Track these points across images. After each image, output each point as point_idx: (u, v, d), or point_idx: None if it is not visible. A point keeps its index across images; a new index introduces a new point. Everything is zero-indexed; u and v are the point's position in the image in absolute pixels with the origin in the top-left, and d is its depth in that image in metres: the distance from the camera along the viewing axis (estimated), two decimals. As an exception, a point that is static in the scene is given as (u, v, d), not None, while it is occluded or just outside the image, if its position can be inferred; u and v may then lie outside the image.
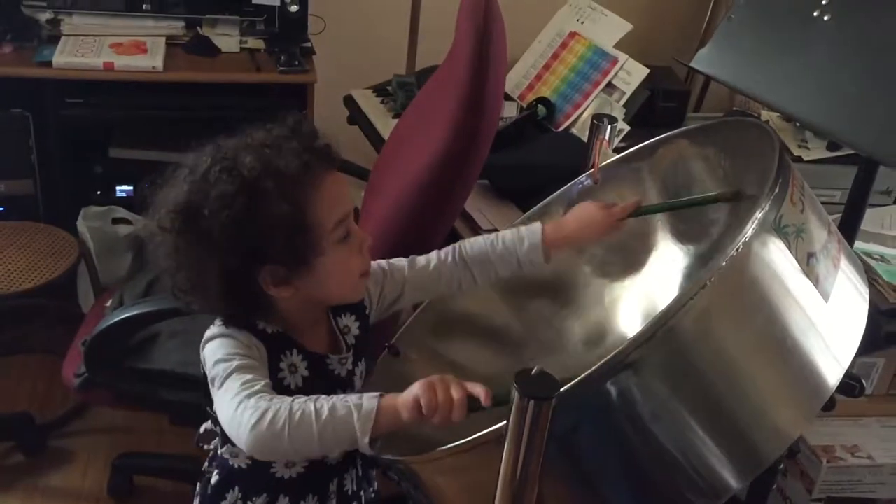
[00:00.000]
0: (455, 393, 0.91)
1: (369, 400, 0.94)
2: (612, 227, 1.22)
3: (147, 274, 1.76)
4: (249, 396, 0.95)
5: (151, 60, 2.26)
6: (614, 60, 2.06)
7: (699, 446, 0.94)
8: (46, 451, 2.11)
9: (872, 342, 1.60)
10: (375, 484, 1.26)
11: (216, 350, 1.02)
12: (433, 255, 1.24)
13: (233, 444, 1.07)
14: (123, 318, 1.50)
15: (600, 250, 1.39)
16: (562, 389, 0.86)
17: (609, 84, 2.06)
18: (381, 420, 0.93)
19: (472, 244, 1.22)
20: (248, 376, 0.98)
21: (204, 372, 1.04)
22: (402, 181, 1.54)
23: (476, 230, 1.78)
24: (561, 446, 0.91)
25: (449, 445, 0.93)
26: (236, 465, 1.14)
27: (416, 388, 0.92)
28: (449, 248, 1.23)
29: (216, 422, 1.07)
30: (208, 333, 1.05)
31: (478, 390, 0.91)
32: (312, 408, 0.93)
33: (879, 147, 1.09)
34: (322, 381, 1.09)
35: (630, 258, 1.38)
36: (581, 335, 1.39)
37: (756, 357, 0.96)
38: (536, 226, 1.21)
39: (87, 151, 2.45)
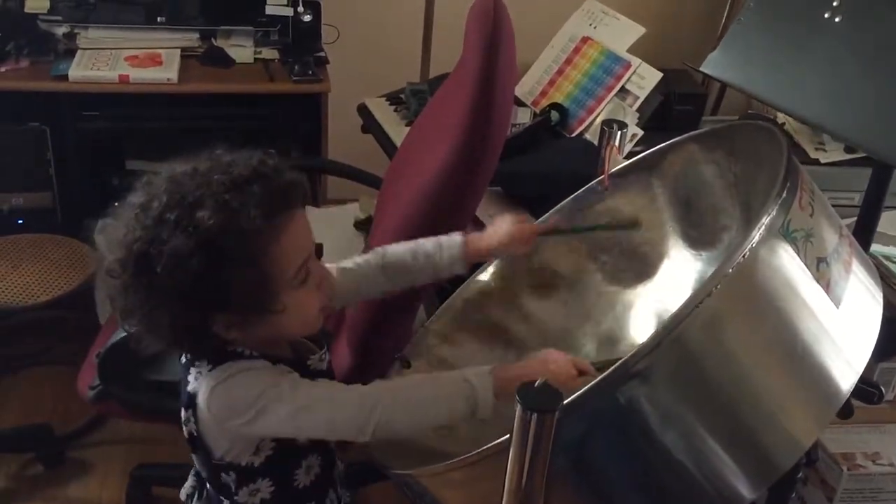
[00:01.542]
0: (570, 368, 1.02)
1: (478, 371, 1.02)
2: (528, 241, 1.25)
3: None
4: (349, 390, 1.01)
5: (166, 72, 2.27)
6: (627, 65, 2.05)
7: (710, 455, 0.93)
8: (65, 462, 2.12)
9: (893, 346, 1.58)
10: None
11: (251, 385, 0.99)
12: (359, 260, 1.23)
13: (249, 483, 1.07)
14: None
15: (612, 258, 1.38)
16: (567, 400, 0.85)
17: (622, 89, 2.04)
18: (500, 383, 1.01)
19: (393, 252, 1.22)
20: (315, 384, 1.01)
21: (192, 431, 1.03)
22: (413, 189, 1.53)
23: (488, 237, 1.77)
24: (569, 457, 0.90)
25: (455, 459, 0.93)
26: (259, 500, 1.11)
27: (534, 367, 1.02)
28: (370, 255, 1.23)
29: (215, 481, 1.07)
30: (206, 390, 1.01)
31: (582, 364, 1.03)
32: (422, 376, 1.02)
33: (892, 150, 1.07)
34: None
35: (643, 265, 1.37)
36: (593, 343, 1.38)
37: (766, 364, 0.94)
38: (457, 237, 1.22)
39: (104, 164, 2.47)
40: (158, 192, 0.97)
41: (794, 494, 1.62)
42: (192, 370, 1.05)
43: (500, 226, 1.24)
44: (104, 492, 2.06)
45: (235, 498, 1.11)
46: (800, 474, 1.60)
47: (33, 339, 2.38)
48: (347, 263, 1.22)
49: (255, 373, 1.01)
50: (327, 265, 1.19)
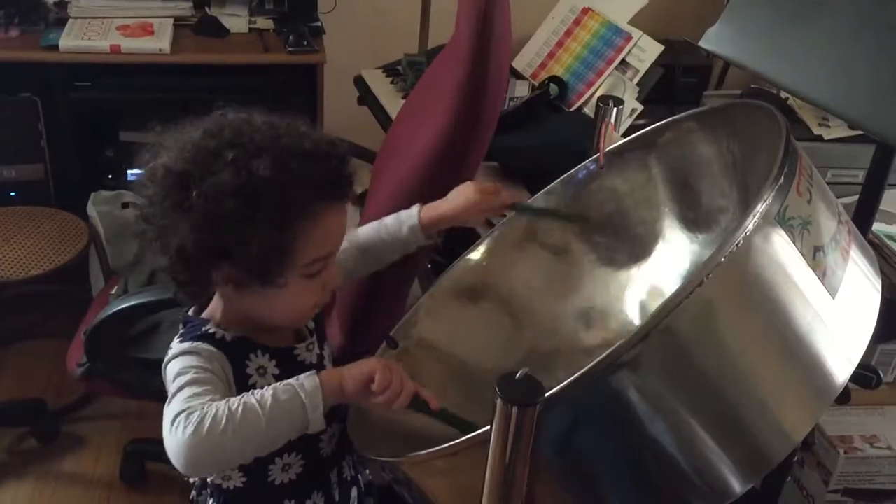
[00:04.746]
0: (407, 384, 0.96)
1: (308, 377, 0.94)
2: (487, 209, 1.23)
3: (152, 261, 1.74)
4: (188, 413, 0.89)
5: (158, 42, 2.24)
6: (628, 37, 2.00)
7: (700, 447, 0.90)
8: (59, 436, 2.12)
9: (894, 329, 1.55)
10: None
11: (175, 367, 0.97)
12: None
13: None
14: (123, 308, 1.48)
15: (606, 238, 1.35)
16: (551, 392, 0.82)
17: (623, 62, 2.00)
18: (326, 392, 0.93)
19: (364, 232, 1.22)
20: (197, 389, 0.93)
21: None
22: (406, 164, 1.50)
23: (483, 214, 1.74)
24: (556, 448, 0.88)
25: (436, 448, 0.90)
26: (231, 487, 1.10)
27: (372, 364, 0.96)
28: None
29: None
30: (168, 353, 1.00)
31: (427, 394, 0.97)
32: (253, 399, 0.90)
33: (893, 130, 1.03)
34: (293, 374, 1.03)
35: (637, 246, 1.33)
36: (585, 323, 1.35)
37: (760, 355, 0.91)
38: (414, 209, 1.21)
39: (97, 135, 2.44)
40: (228, 127, 0.97)
41: (790, 478, 1.61)
42: (174, 341, 1.04)
43: (458, 193, 1.22)
44: (98, 467, 2.06)
45: (211, 479, 1.12)
46: (796, 458, 1.59)
47: (26, 312, 2.37)
48: None
49: (192, 357, 0.98)
50: None
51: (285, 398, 0.92)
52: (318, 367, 1.10)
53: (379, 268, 1.24)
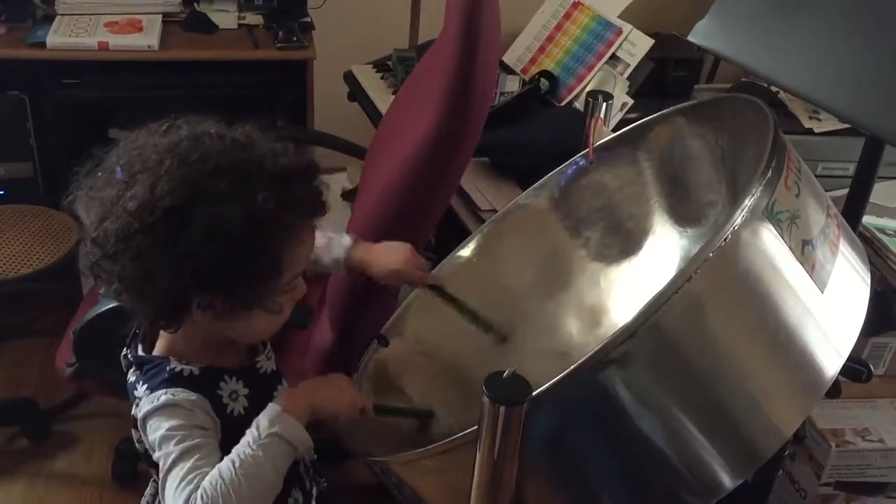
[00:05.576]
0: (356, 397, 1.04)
1: (279, 420, 0.95)
2: (407, 279, 1.22)
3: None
4: (188, 497, 0.90)
5: (147, 39, 2.22)
6: (618, 31, 1.99)
7: (690, 443, 0.90)
8: (50, 436, 2.11)
9: (885, 322, 1.55)
10: None
11: (158, 428, 0.94)
12: None
13: None
14: (112, 307, 1.47)
15: (596, 234, 1.35)
16: (540, 390, 0.82)
17: (613, 56, 1.99)
18: (298, 415, 0.96)
19: None
20: (195, 462, 0.91)
21: (146, 449, 0.99)
22: (395, 160, 1.49)
23: (474, 209, 1.74)
24: (545, 445, 0.88)
25: (426, 447, 0.90)
26: None
27: (316, 392, 1.01)
28: None
29: None
30: (142, 406, 0.96)
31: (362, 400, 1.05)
32: (237, 460, 0.91)
33: (881, 124, 1.03)
34: (261, 388, 1.05)
35: (627, 241, 1.33)
36: (576, 319, 1.35)
37: (749, 349, 0.91)
38: (347, 240, 1.20)
39: (86, 133, 2.42)
40: (196, 149, 0.91)
41: (782, 471, 1.61)
42: (138, 388, 1.00)
43: (392, 252, 1.20)
44: (90, 466, 2.05)
45: None
46: (788, 451, 1.59)
47: (17, 311, 2.36)
48: None
49: (174, 416, 0.95)
50: None
51: (266, 441, 0.93)
52: (278, 373, 1.11)
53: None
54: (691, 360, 0.88)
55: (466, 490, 0.88)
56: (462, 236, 1.40)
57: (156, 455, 0.95)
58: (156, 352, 1.02)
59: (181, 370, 0.98)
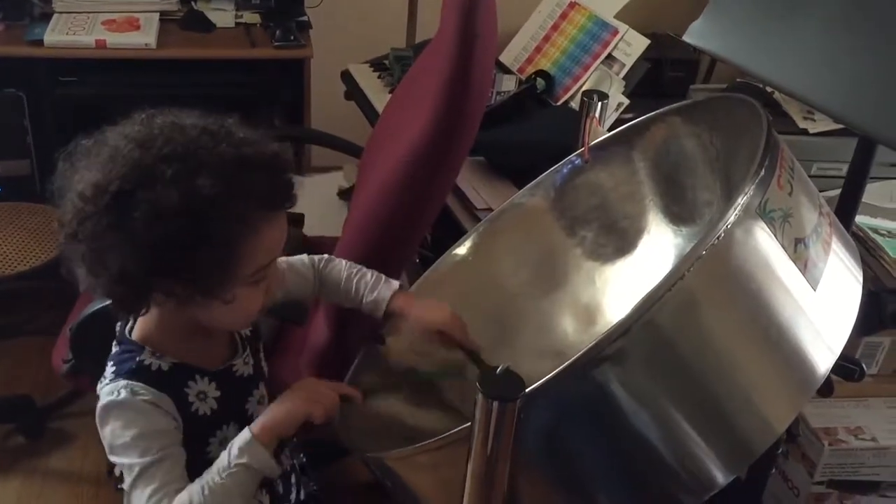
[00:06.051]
0: (330, 395, 1.02)
1: (248, 446, 0.96)
2: (450, 337, 1.17)
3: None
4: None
5: (144, 37, 2.23)
6: (614, 31, 2.00)
7: (684, 439, 0.91)
8: (46, 433, 2.11)
9: (878, 321, 1.56)
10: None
11: (115, 429, 0.96)
12: (305, 258, 1.23)
13: None
14: (108, 305, 1.47)
15: (592, 233, 1.35)
16: (533, 386, 0.83)
17: (609, 56, 2.00)
18: (269, 447, 0.97)
19: (332, 267, 1.23)
20: (153, 484, 0.94)
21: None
22: (392, 158, 1.50)
23: (470, 208, 1.75)
24: (539, 441, 0.88)
25: (421, 443, 0.91)
26: None
27: (297, 406, 1.00)
28: (316, 258, 1.24)
29: None
30: (103, 400, 0.98)
31: (350, 391, 1.05)
32: (206, 487, 0.94)
33: (874, 124, 1.03)
34: (235, 392, 1.07)
35: (622, 240, 1.34)
36: (572, 318, 1.36)
37: (741, 346, 0.91)
38: (391, 289, 1.19)
39: (83, 130, 2.42)
40: (160, 136, 0.93)
41: (775, 470, 1.62)
42: (108, 366, 1.03)
43: (437, 309, 1.18)
44: (86, 463, 2.05)
45: None
46: (781, 449, 1.60)
47: (13, 309, 2.36)
48: (296, 261, 1.22)
49: (133, 421, 0.96)
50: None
51: (244, 478, 0.96)
52: (256, 378, 1.11)
53: (331, 302, 1.26)
54: (685, 356, 0.89)
55: (461, 486, 0.89)
56: (458, 235, 1.41)
57: (113, 459, 0.97)
58: (134, 335, 1.03)
59: (150, 364, 1.00)
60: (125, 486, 0.96)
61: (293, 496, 1.20)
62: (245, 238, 0.93)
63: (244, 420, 1.05)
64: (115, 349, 1.04)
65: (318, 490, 1.22)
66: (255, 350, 1.14)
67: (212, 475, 0.96)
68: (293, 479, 1.21)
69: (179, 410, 1.00)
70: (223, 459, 0.97)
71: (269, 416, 0.99)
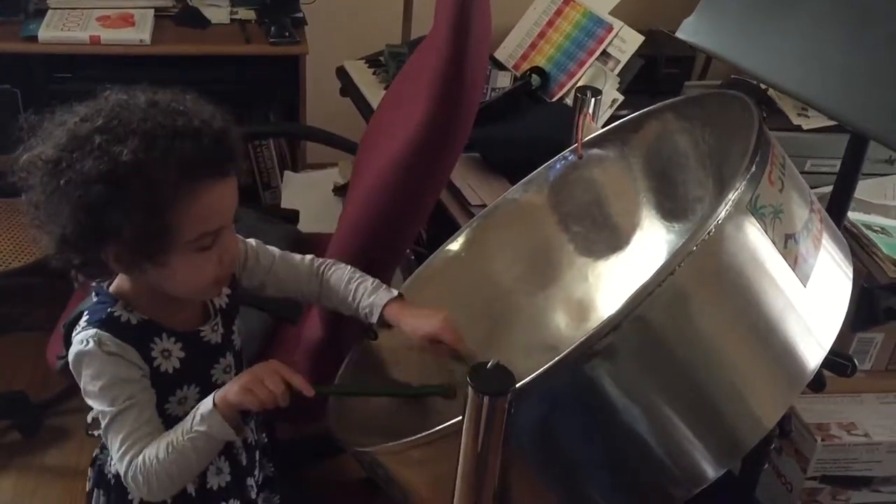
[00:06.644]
0: (275, 381, 1.01)
1: (209, 416, 1.01)
2: (444, 340, 1.15)
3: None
4: (134, 473, 1.00)
5: (139, 33, 2.22)
6: (609, 27, 2.00)
7: (674, 433, 0.91)
8: (42, 429, 2.11)
9: (872, 317, 1.57)
10: None
11: (87, 378, 1.01)
12: (308, 258, 1.25)
13: None
14: (102, 301, 1.47)
15: (585, 228, 1.36)
16: (524, 381, 0.83)
17: (604, 52, 2.00)
18: (228, 417, 1.01)
19: (333, 271, 1.23)
20: (125, 428, 1.00)
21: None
22: (385, 156, 1.50)
23: (464, 204, 1.75)
24: (530, 436, 0.88)
25: (411, 438, 0.91)
26: None
27: (244, 376, 1.03)
28: (319, 261, 1.25)
29: None
30: (73, 348, 1.03)
31: (301, 383, 1.03)
32: (171, 444, 1.00)
33: (867, 120, 1.04)
34: (200, 356, 1.10)
35: (615, 236, 1.34)
36: (565, 313, 1.36)
37: (732, 342, 0.92)
38: (390, 294, 1.19)
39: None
40: (104, 110, 0.98)
41: (768, 465, 1.62)
42: (83, 314, 1.06)
43: (431, 317, 1.17)
44: (81, 459, 2.04)
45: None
46: (774, 445, 1.60)
47: (8, 305, 2.35)
48: (294, 257, 1.24)
49: (103, 368, 1.01)
50: (267, 247, 1.23)
51: (202, 444, 1.02)
52: (224, 347, 1.14)
53: (327, 307, 1.27)
54: (675, 351, 0.89)
55: (452, 481, 0.89)
56: (452, 231, 1.41)
57: (90, 402, 1.03)
58: (111, 289, 1.07)
59: (119, 315, 1.04)
60: (102, 428, 1.02)
61: (257, 473, 1.22)
62: (174, 204, 0.96)
63: (207, 384, 1.10)
64: (93, 300, 1.08)
65: (275, 473, 1.24)
66: (228, 322, 1.16)
67: (177, 434, 1.01)
68: (258, 456, 1.23)
69: (144, 362, 1.04)
70: (187, 422, 1.02)
71: (227, 389, 1.03)
